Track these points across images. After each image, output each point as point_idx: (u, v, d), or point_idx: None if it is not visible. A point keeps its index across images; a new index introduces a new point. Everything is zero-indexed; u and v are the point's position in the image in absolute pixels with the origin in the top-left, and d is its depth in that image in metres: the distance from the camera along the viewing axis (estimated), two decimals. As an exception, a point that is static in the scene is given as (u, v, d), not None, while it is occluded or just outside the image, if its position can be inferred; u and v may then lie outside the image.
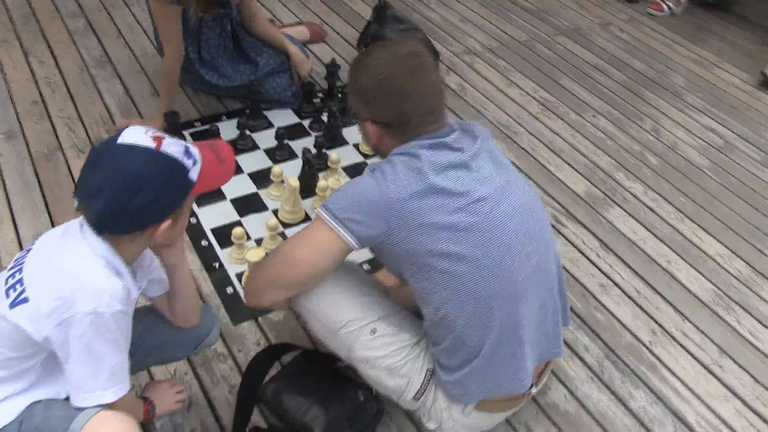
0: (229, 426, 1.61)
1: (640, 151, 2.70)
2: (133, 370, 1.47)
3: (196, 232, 2.14)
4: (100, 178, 1.09)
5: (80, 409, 1.13)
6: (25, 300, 1.11)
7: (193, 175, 1.15)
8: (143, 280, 1.30)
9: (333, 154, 2.34)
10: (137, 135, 1.11)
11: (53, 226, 2.06)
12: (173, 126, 2.44)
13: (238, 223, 2.16)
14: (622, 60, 3.33)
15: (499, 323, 1.32)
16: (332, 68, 2.68)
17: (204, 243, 2.11)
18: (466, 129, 1.40)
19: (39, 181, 2.26)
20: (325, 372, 1.64)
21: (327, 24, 3.33)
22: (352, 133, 2.58)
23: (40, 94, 2.67)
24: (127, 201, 1.08)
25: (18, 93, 2.67)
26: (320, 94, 2.74)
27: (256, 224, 2.17)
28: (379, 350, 1.43)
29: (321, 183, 2.20)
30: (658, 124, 2.88)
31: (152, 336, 1.42)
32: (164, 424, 1.51)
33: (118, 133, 1.12)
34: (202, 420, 1.64)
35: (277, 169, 2.25)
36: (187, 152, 1.15)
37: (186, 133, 2.52)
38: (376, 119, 1.38)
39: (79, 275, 1.11)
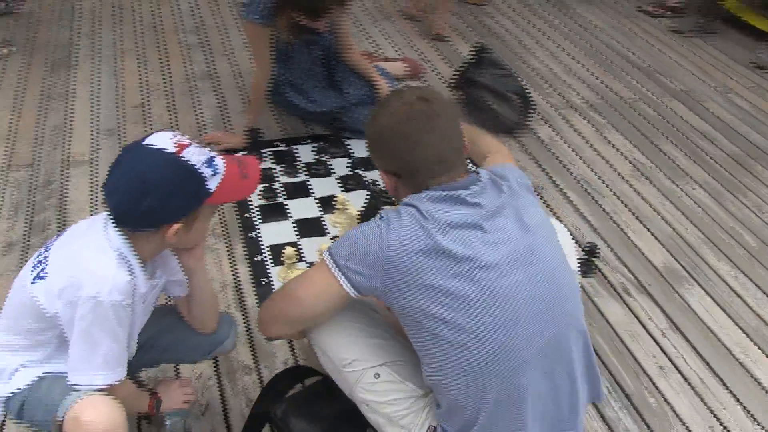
0: (236, 438, 1.60)
1: (736, 229, 2.47)
2: (148, 364, 1.53)
3: (253, 246, 2.19)
4: (119, 175, 1.14)
5: (79, 388, 1.17)
6: (44, 277, 1.17)
7: (211, 184, 1.17)
8: (162, 278, 1.33)
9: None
10: (163, 139, 1.15)
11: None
12: (254, 142, 2.53)
13: (294, 244, 2.19)
14: (734, 128, 3.09)
15: (495, 395, 1.21)
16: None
17: (258, 258, 2.15)
18: (495, 179, 1.30)
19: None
20: (340, 403, 1.60)
21: (428, 61, 3.35)
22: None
23: (146, 100, 2.87)
24: (139, 200, 1.12)
25: (127, 96, 2.88)
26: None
27: (313, 248, 2.19)
28: (381, 396, 1.36)
29: (381, 216, 2.18)
30: (764, 201, 2.64)
31: (170, 335, 1.45)
32: (175, 423, 1.53)
33: (147, 135, 1.17)
34: (213, 427, 1.64)
35: (341, 196, 2.26)
36: (210, 162, 1.17)
37: (266, 151, 2.60)
38: (385, 168, 1.34)
39: (90, 262, 1.16)
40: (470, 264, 1.18)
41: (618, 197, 2.56)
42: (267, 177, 2.42)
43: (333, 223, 2.29)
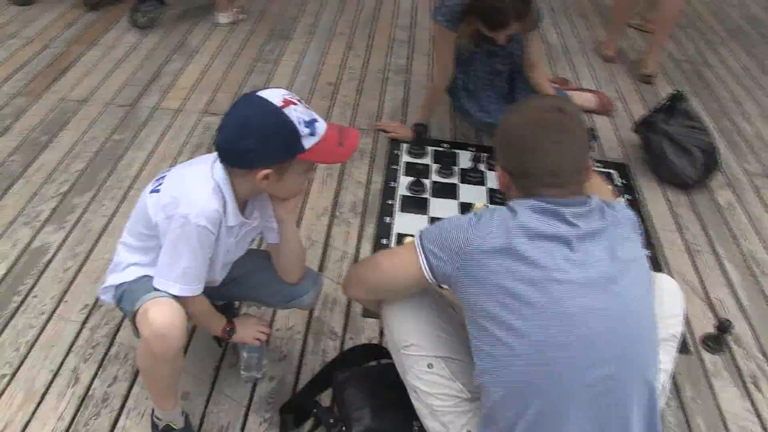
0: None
1: None
2: (236, 297, 1.71)
3: (383, 229, 2.30)
4: (229, 116, 1.31)
5: (158, 291, 1.36)
6: (158, 191, 1.38)
7: (306, 143, 1.29)
8: (257, 220, 1.49)
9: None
10: (274, 93, 1.30)
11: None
12: (418, 136, 2.65)
13: (420, 238, 2.26)
14: None
15: (534, 415, 1.18)
16: (591, 138, 2.59)
17: (384, 241, 2.26)
18: (603, 207, 1.27)
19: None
20: (398, 390, 1.64)
21: (624, 101, 3.22)
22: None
23: (339, 79, 3.12)
24: (238, 140, 1.29)
25: (324, 73, 3.16)
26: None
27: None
28: (429, 386, 1.39)
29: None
30: None
31: (258, 275, 1.61)
32: (251, 358, 1.69)
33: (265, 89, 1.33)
34: (284, 374, 1.78)
35: (478, 204, 2.29)
36: (310, 124, 1.30)
37: (430, 148, 2.70)
38: (502, 164, 1.35)
39: (191, 186, 1.35)
40: (545, 273, 1.17)
41: (785, 283, 2.28)
42: (420, 171, 2.52)
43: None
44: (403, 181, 2.52)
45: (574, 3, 4.20)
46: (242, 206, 1.45)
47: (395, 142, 2.72)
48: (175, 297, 1.36)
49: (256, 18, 3.67)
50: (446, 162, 2.61)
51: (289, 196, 1.43)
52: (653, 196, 2.62)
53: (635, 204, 2.53)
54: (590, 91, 3.13)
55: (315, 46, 3.41)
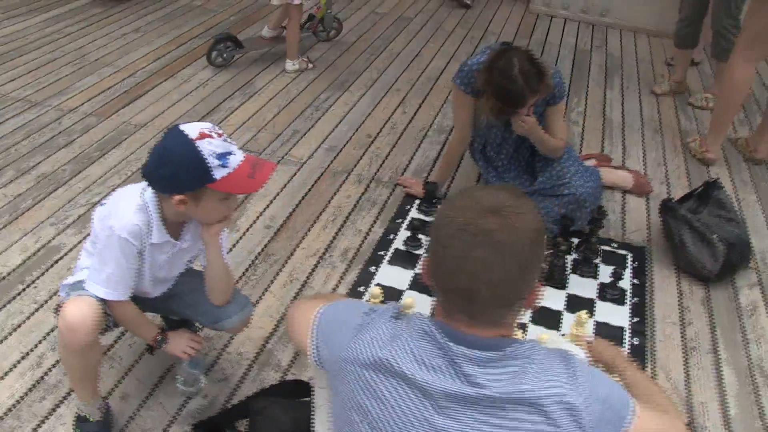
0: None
1: None
2: (174, 312, 1.82)
3: (364, 278, 2.34)
4: (155, 146, 1.46)
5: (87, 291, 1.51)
6: (103, 204, 1.56)
7: (217, 174, 1.40)
8: (189, 243, 1.61)
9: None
10: (193, 127, 1.42)
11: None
12: (428, 194, 2.68)
13: (401, 293, 2.28)
14: None
15: None
16: (599, 215, 2.51)
17: (361, 289, 2.29)
18: (527, 363, 1.02)
19: (311, 187, 2.81)
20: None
21: (668, 182, 3.06)
22: (578, 284, 2.40)
23: (379, 132, 3.23)
24: (156, 168, 1.43)
25: (366, 125, 3.30)
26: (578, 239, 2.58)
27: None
28: None
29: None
30: None
31: (194, 295, 1.72)
32: (188, 373, 1.80)
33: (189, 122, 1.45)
34: (217, 395, 1.87)
35: (376, 290, 2.25)
36: (223, 156, 1.40)
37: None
38: (427, 257, 1.12)
39: (121, 202, 1.51)
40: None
41: (786, 403, 2.04)
42: (417, 227, 2.54)
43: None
44: (403, 235, 2.55)
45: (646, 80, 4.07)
46: (178, 228, 1.59)
47: (409, 198, 2.77)
48: (102, 300, 1.50)
49: (323, 68, 3.90)
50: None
51: (209, 221, 1.54)
52: (665, 284, 2.45)
53: (641, 289, 2.39)
54: (629, 170, 3.01)
55: (368, 98, 3.56)
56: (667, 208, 2.55)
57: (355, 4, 4.92)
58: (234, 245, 2.45)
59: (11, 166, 2.83)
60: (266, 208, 2.67)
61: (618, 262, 2.51)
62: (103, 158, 2.90)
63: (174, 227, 1.57)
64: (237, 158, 1.43)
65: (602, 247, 2.59)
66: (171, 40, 4.06)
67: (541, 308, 2.27)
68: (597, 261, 2.52)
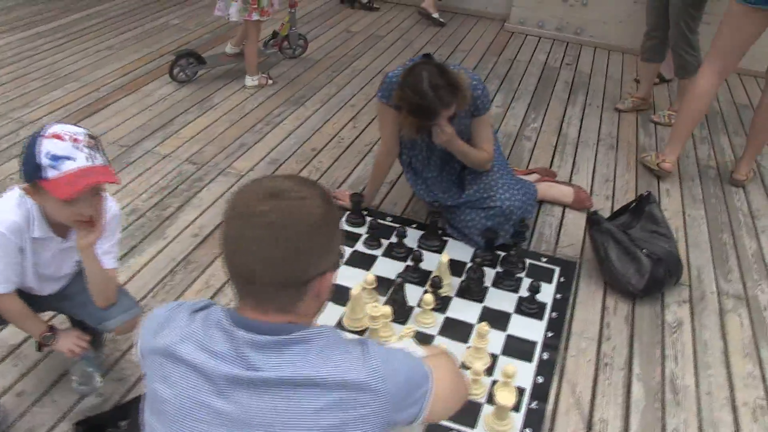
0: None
1: None
2: (66, 311, 1.87)
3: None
4: None
5: None
6: None
7: (47, 173, 1.43)
8: (73, 242, 1.62)
9: (428, 296, 2.20)
10: (58, 126, 1.47)
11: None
12: (354, 205, 2.68)
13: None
14: None
15: None
16: (521, 228, 2.49)
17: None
18: (315, 347, 1.05)
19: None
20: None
21: (612, 198, 3.01)
22: (497, 297, 2.36)
23: (323, 146, 3.27)
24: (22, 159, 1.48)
25: (313, 140, 3.33)
26: (505, 252, 2.55)
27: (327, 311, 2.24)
28: None
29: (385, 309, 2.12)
30: None
31: (82, 295, 1.75)
32: (83, 372, 1.81)
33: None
34: (112, 394, 1.90)
35: (370, 276, 2.26)
36: (58, 158, 1.43)
37: (371, 220, 2.63)
38: None
39: (1, 198, 1.56)
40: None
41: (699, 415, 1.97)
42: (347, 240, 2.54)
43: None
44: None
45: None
46: (66, 228, 1.61)
47: (341, 210, 2.76)
48: None
49: (283, 84, 3.93)
50: (374, 234, 2.60)
51: (60, 220, 1.56)
52: (589, 299, 2.40)
53: (563, 304, 2.34)
54: (570, 185, 2.97)
55: (321, 114, 3.58)
56: (592, 221, 2.51)
57: (329, 23, 4.98)
58: (159, 252, 2.48)
59: (-40, 176, 2.91)
60: (197, 217, 2.69)
61: (543, 277, 2.47)
62: (48, 168, 2.97)
63: (61, 226, 1.60)
64: (72, 165, 1.44)
65: (530, 261, 2.55)
66: (142, 56, 4.14)
67: (453, 320, 2.26)
68: (521, 275, 2.48)
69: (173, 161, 3.07)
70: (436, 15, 4.93)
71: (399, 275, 2.36)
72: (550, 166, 3.21)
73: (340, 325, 2.19)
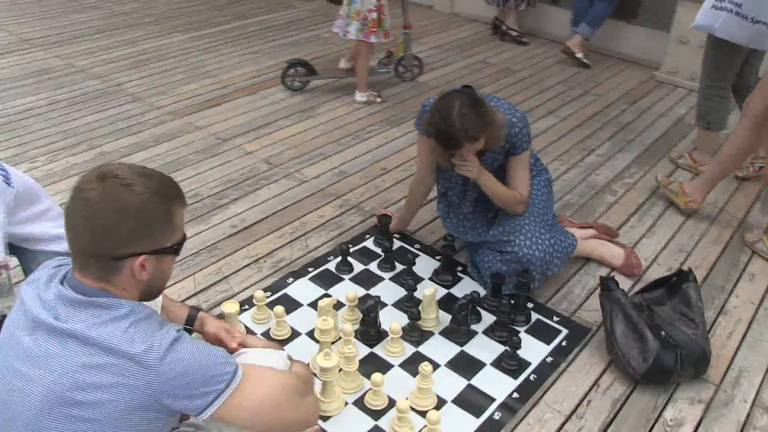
0: None
1: None
2: None
3: (275, 287, 2.45)
4: None
5: None
6: None
7: None
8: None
9: (395, 324, 2.16)
10: None
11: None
12: (381, 226, 2.70)
13: (299, 306, 2.36)
14: None
15: None
16: (523, 279, 2.31)
17: (267, 294, 2.39)
18: (111, 317, 1.23)
19: (295, 202, 3.00)
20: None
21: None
22: (482, 345, 2.24)
23: (395, 167, 3.31)
24: None
25: (389, 160, 3.40)
26: (509, 297, 2.38)
27: (300, 316, 2.32)
28: None
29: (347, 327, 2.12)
30: None
31: None
32: None
33: None
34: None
35: (351, 293, 2.27)
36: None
37: (387, 245, 2.62)
38: None
39: None
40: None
41: None
42: (345, 251, 2.54)
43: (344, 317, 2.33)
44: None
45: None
46: None
47: (374, 229, 2.80)
48: None
49: (392, 104, 4.04)
50: (388, 257, 2.60)
51: None
52: (582, 371, 2.15)
53: (550, 369, 2.14)
54: (623, 246, 2.68)
55: (409, 137, 3.60)
56: (604, 286, 2.26)
57: (470, 52, 4.98)
58: (195, 235, 2.72)
59: (87, 142, 3.45)
60: (244, 211, 2.90)
61: (545, 335, 2.29)
62: (152, 147, 3.40)
63: None
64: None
65: (538, 316, 2.38)
66: (277, 63, 4.51)
67: (421, 356, 2.18)
68: (521, 328, 2.32)
69: (252, 158, 3.33)
70: (580, 55, 4.70)
71: (373, 299, 2.30)
72: (620, 227, 2.93)
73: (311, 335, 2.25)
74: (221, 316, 2.13)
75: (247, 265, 2.56)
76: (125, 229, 1.23)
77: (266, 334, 2.23)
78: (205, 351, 1.29)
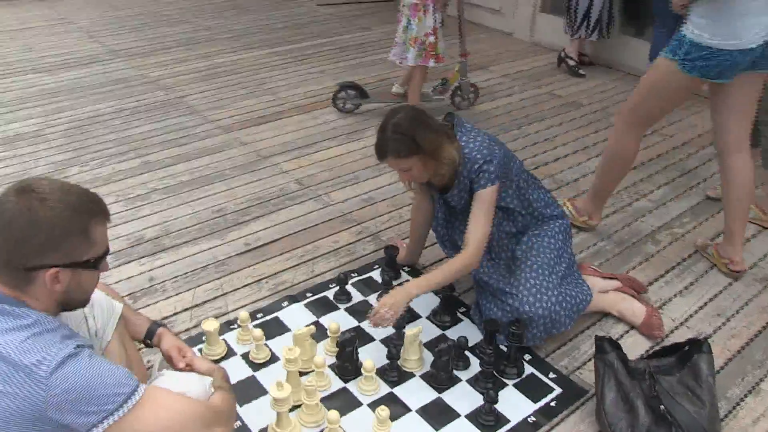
0: None
1: None
2: None
3: (269, 309, 2.43)
4: None
5: None
6: None
7: None
8: None
9: (369, 362, 2.07)
10: None
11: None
12: (387, 258, 2.61)
13: (286, 331, 2.32)
14: None
15: None
16: (516, 329, 2.13)
17: (259, 315, 2.40)
18: (15, 325, 1.27)
19: (314, 225, 3.00)
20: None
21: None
22: (463, 395, 2.10)
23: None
24: None
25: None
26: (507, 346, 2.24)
27: (284, 341, 2.27)
28: None
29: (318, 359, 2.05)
30: None
31: None
32: None
33: None
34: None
35: (334, 325, 2.21)
36: None
37: (387, 278, 2.52)
38: None
39: None
40: None
41: None
42: (343, 280, 2.48)
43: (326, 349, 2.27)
44: (348, 288, 2.54)
45: None
46: None
47: (382, 259, 2.71)
48: None
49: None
50: (388, 291, 2.47)
51: None
52: (563, 437, 1.98)
53: (529, 429, 1.97)
54: (647, 304, 2.43)
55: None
56: (599, 346, 2.05)
57: (536, 83, 4.80)
58: (208, 249, 2.78)
59: (135, 151, 3.62)
60: (261, 230, 2.92)
61: (534, 392, 2.12)
62: (194, 160, 3.50)
63: None
64: None
65: (533, 370, 2.20)
66: (337, 83, 4.54)
67: (395, 398, 2.07)
68: (511, 381, 2.16)
69: (285, 178, 3.36)
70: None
71: (351, 333, 2.22)
72: (654, 281, 2.67)
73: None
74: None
75: (248, 284, 2.56)
76: (36, 242, 1.29)
77: (246, 356, 2.23)
78: (100, 370, 1.29)
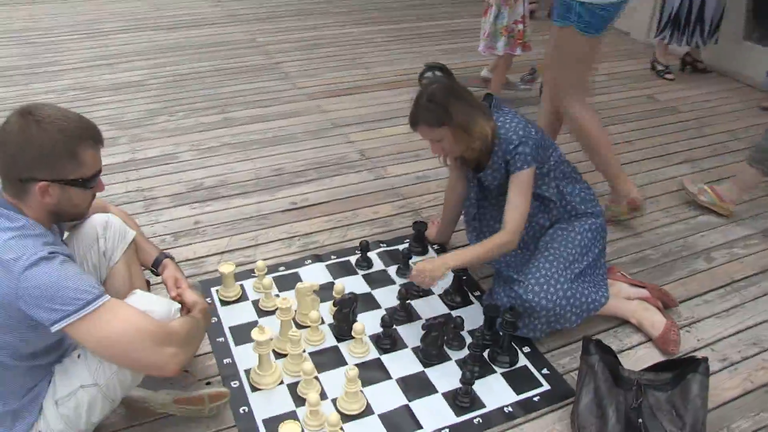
0: None
1: None
2: None
3: (292, 264, 2.57)
4: None
5: None
6: None
7: None
8: None
9: (359, 324, 2.14)
10: None
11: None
12: (416, 233, 2.66)
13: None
14: None
15: None
16: (510, 318, 2.11)
17: (282, 269, 2.54)
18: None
19: (362, 195, 3.06)
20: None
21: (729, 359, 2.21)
22: (447, 373, 2.12)
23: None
24: None
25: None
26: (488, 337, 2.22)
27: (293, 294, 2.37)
28: None
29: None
30: None
31: None
32: None
33: None
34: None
35: (339, 285, 2.29)
36: None
37: (407, 251, 2.56)
38: None
39: None
40: None
41: None
42: (363, 247, 2.57)
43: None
44: (371, 256, 2.63)
45: None
46: None
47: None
48: None
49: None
50: (407, 264, 2.53)
51: None
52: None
53: (504, 418, 1.96)
54: (668, 318, 2.28)
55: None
56: (585, 347, 1.97)
57: (637, 85, 4.53)
58: (257, 203, 2.96)
59: (220, 107, 3.90)
60: (312, 192, 3.06)
61: (520, 384, 2.10)
62: (271, 121, 3.71)
63: None
64: None
65: (527, 363, 2.17)
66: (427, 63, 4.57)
67: (379, 363, 2.15)
68: (501, 369, 2.14)
69: (349, 147, 3.47)
70: (772, 108, 4.04)
71: (350, 294, 2.27)
72: (692, 298, 2.49)
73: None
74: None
75: (281, 239, 2.71)
76: (28, 157, 1.48)
77: (256, 302, 2.38)
78: (68, 275, 1.46)
